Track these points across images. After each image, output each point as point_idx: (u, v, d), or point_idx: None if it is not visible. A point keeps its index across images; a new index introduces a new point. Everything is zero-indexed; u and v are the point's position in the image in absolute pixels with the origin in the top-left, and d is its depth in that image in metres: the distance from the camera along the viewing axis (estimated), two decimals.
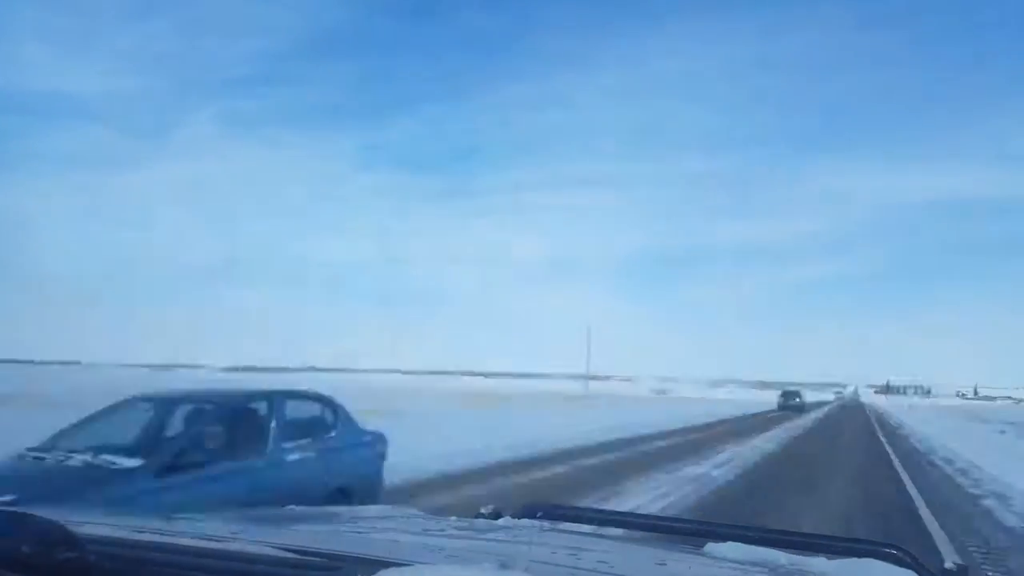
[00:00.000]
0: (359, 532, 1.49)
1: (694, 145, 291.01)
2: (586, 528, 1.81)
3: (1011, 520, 9.36)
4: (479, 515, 1.89)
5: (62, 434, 5.53)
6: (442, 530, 1.62)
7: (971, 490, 12.29)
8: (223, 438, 5.38)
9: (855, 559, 1.52)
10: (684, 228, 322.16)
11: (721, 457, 15.91)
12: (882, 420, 44.04)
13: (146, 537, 1.05)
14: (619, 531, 1.88)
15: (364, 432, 7.12)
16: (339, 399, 7.04)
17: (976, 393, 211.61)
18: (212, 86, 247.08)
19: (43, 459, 5.06)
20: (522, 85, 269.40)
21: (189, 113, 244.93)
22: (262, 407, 6.14)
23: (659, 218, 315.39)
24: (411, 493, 8.74)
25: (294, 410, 6.41)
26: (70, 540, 0.89)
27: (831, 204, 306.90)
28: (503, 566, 0.95)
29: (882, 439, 25.71)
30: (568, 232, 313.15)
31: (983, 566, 6.63)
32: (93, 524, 1.06)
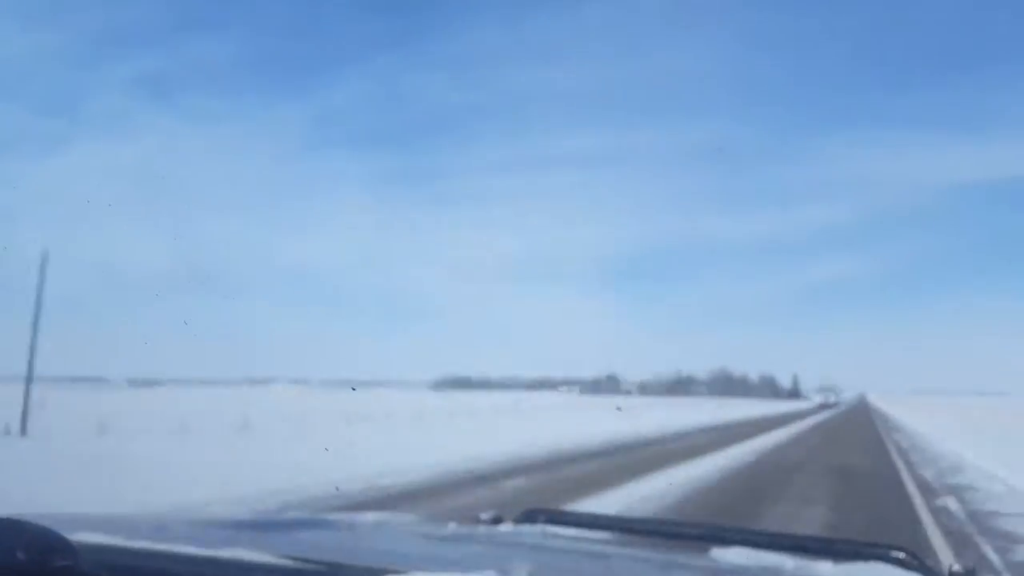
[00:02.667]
0: (357, 540, 1.48)
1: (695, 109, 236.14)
2: (589, 533, 1.79)
3: None
4: (479, 521, 1.87)
5: None
6: (441, 537, 1.61)
7: None
8: None
9: (862, 563, 1.51)
10: (679, 218, 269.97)
11: None
12: None
13: (141, 544, 1.04)
14: (623, 536, 1.86)
15: None
16: None
17: None
18: (116, 41, 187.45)
19: None
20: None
21: (97, 77, 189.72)
22: None
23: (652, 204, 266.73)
24: None
25: None
26: (65, 547, 0.88)
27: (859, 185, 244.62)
28: (503, 573, 0.93)
29: None
30: (543, 222, 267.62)
31: None
32: (87, 531, 1.04)
